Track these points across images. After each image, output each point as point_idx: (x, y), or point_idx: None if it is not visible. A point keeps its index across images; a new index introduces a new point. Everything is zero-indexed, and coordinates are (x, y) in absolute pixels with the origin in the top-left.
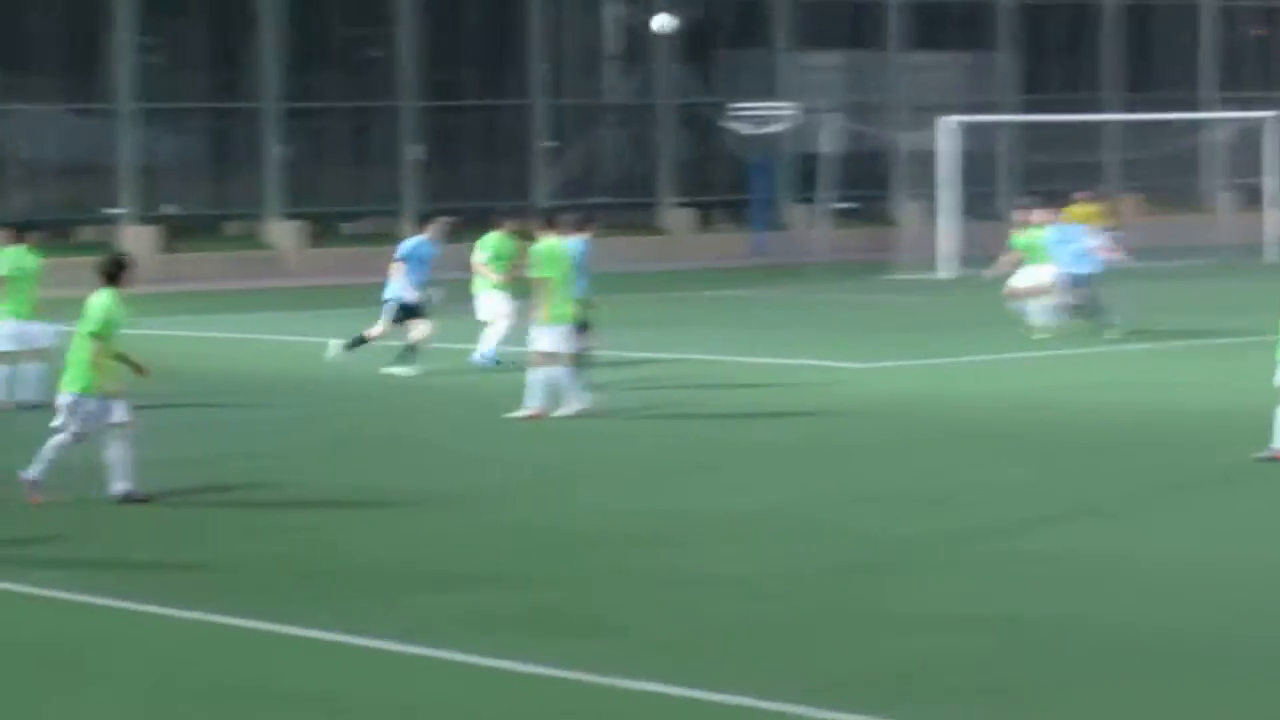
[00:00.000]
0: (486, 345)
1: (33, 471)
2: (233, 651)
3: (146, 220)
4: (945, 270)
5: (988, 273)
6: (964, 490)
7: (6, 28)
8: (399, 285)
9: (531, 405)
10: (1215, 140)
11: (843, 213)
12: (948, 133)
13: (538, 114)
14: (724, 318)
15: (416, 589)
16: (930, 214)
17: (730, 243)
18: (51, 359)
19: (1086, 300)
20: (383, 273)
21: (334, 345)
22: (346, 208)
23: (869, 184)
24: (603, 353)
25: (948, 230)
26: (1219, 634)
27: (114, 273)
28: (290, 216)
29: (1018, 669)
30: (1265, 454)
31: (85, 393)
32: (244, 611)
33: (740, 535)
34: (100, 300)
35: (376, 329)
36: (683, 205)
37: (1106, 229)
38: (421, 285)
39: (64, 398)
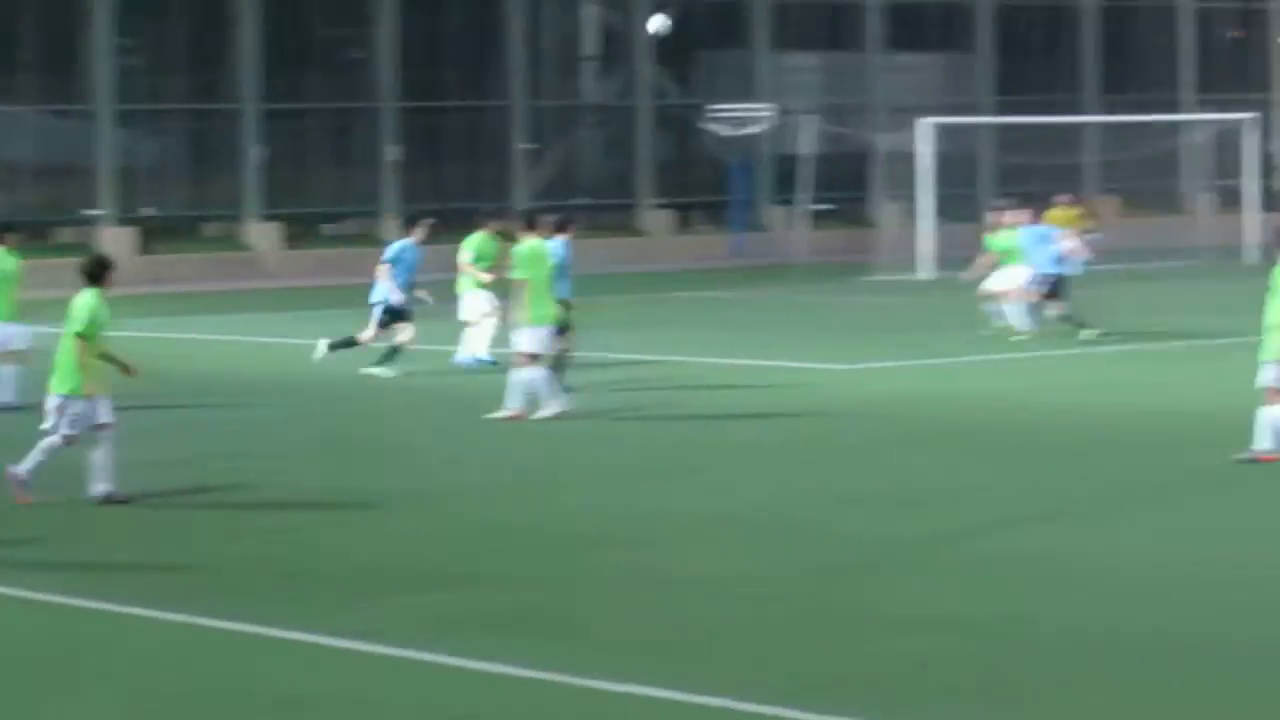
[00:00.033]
0: (475, 347)
1: (22, 470)
2: (215, 653)
3: (125, 221)
4: (924, 271)
5: (964, 275)
6: (945, 491)
7: None
8: (385, 288)
9: (512, 406)
10: (1194, 142)
11: (821, 214)
12: (925, 134)
13: (517, 115)
14: (703, 319)
15: (398, 590)
16: (909, 215)
17: (709, 244)
18: (29, 361)
19: (1070, 310)
20: (362, 274)
21: (322, 345)
22: (326, 209)
23: (847, 185)
24: (583, 354)
25: (926, 231)
26: (1206, 634)
27: (97, 273)
28: (270, 218)
29: (1000, 670)
30: (1246, 455)
31: (73, 394)
32: (226, 613)
33: (721, 536)
34: (84, 300)
35: (366, 333)
36: (661, 207)
37: (1085, 231)
38: (408, 288)
39: (52, 400)
